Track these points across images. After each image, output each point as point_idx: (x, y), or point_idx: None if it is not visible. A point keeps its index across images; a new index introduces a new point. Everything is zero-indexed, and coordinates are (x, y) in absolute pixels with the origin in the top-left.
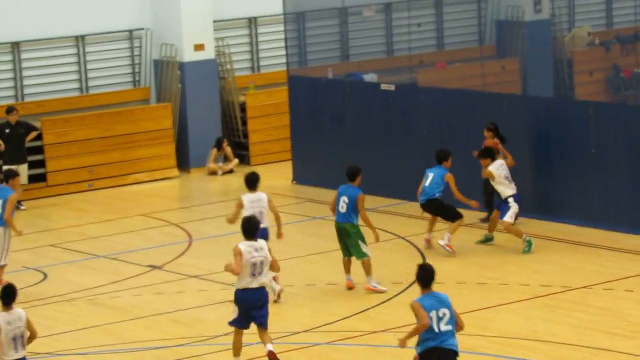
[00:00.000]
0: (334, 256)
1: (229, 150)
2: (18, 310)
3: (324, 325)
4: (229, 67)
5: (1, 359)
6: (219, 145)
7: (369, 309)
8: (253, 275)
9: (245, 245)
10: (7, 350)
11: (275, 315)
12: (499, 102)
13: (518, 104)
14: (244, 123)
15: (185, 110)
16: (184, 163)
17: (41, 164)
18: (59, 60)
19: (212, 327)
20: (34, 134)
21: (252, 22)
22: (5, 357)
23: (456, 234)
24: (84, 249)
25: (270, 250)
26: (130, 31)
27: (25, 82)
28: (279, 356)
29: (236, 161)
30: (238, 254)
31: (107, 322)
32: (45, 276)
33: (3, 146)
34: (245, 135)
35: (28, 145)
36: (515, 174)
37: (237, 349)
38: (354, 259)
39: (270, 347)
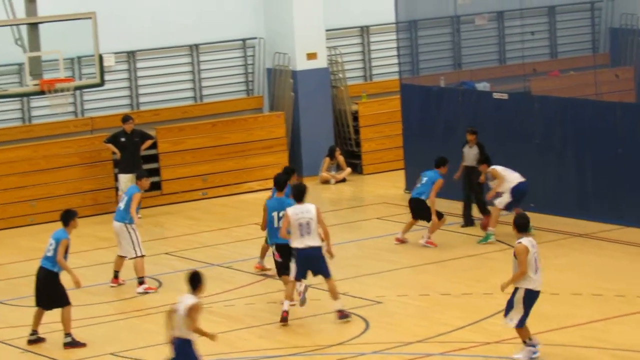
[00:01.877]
0: (448, 265)
1: (341, 158)
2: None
3: (437, 336)
4: (341, 75)
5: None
6: (331, 154)
7: (483, 319)
8: (302, 235)
9: (293, 209)
10: None
11: (389, 324)
12: (612, 111)
13: (632, 113)
14: (356, 131)
15: (297, 118)
16: (296, 171)
17: (156, 172)
18: (173, 69)
19: (325, 336)
20: (148, 143)
21: (364, 31)
22: None
23: (570, 245)
24: (198, 257)
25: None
26: (244, 40)
27: (140, 91)
28: None
29: (349, 170)
30: (285, 216)
31: (220, 330)
32: (160, 284)
33: (119, 154)
34: (358, 144)
35: (143, 153)
36: (626, 185)
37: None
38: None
39: (337, 305)
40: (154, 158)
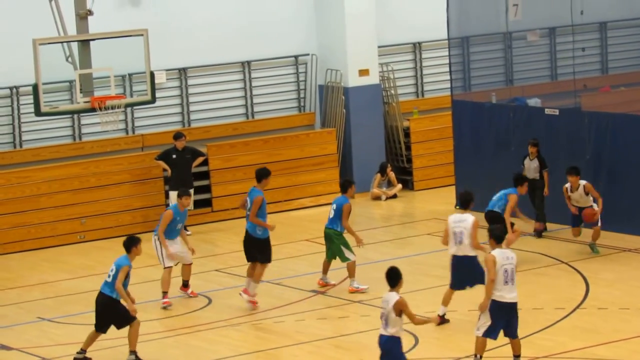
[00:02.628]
0: None
1: (392, 175)
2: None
3: (486, 351)
4: (392, 92)
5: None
6: (382, 170)
7: (532, 334)
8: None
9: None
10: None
11: (438, 340)
12: None
13: None
14: (408, 148)
15: (349, 135)
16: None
17: (207, 189)
18: (225, 85)
19: (375, 352)
20: (200, 159)
21: (416, 47)
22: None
23: (619, 260)
24: None
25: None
26: (296, 56)
27: (192, 108)
28: None
29: (399, 186)
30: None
31: (270, 347)
32: (210, 301)
33: (169, 171)
34: (409, 160)
35: (194, 170)
36: None
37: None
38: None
39: None
40: (205, 175)
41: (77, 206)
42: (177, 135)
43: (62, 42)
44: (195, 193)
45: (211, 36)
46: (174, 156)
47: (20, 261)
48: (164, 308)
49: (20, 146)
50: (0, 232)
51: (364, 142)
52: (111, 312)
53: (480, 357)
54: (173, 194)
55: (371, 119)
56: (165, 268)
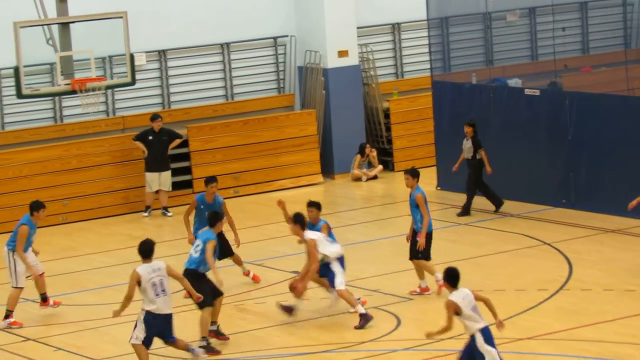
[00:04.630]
0: (480, 262)
1: (373, 155)
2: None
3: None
4: (372, 73)
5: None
6: (362, 151)
7: (515, 315)
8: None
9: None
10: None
11: (420, 321)
12: None
13: None
14: (388, 129)
15: (329, 116)
16: (328, 169)
17: (187, 170)
18: (204, 67)
19: (356, 333)
20: (177, 141)
21: (395, 28)
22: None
23: (603, 241)
24: None
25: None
26: (275, 38)
27: (172, 90)
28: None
29: (380, 167)
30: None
31: (253, 327)
32: None
33: (146, 152)
34: (389, 141)
35: (175, 152)
36: None
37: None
38: None
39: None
40: (186, 156)
41: (58, 188)
42: (154, 117)
43: (42, 25)
44: (175, 174)
45: (191, 18)
46: (151, 137)
47: (2, 242)
48: (9, 329)
49: (2, 128)
50: None
51: (344, 123)
52: (198, 285)
53: None
54: (149, 175)
55: (351, 100)
56: (16, 288)
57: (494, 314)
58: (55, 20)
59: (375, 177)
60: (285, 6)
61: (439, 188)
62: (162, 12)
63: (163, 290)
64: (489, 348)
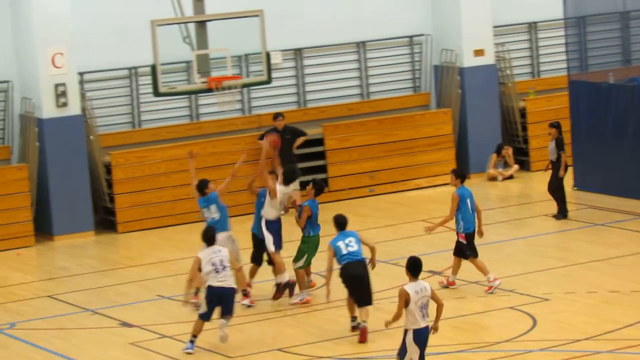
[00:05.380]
0: (616, 263)
1: (509, 155)
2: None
3: (606, 333)
4: (508, 72)
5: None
6: (498, 151)
7: None
8: None
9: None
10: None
11: (556, 322)
12: None
13: None
14: (524, 128)
15: (465, 115)
16: (463, 168)
17: (323, 169)
18: (340, 66)
19: (493, 333)
20: (301, 140)
21: (532, 27)
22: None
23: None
24: (365, 254)
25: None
26: (411, 37)
27: (307, 88)
28: None
29: (516, 167)
30: None
31: (390, 327)
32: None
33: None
34: (525, 141)
35: (310, 150)
36: None
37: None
38: None
39: None
40: (321, 155)
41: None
42: (276, 116)
43: (179, 23)
44: (311, 173)
45: (327, 17)
46: None
47: (140, 240)
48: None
49: (139, 126)
50: (120, 211)
51: (480, 123)
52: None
53: None
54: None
55: (487, 99)
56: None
57: (436, 319)
58: (192, 18)
59: (511, 177)
60: (422, 5)
61: (575, 188)
62: (298, 11)
63: None
64: (414, 348)
